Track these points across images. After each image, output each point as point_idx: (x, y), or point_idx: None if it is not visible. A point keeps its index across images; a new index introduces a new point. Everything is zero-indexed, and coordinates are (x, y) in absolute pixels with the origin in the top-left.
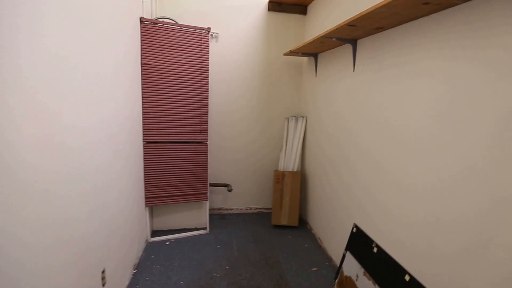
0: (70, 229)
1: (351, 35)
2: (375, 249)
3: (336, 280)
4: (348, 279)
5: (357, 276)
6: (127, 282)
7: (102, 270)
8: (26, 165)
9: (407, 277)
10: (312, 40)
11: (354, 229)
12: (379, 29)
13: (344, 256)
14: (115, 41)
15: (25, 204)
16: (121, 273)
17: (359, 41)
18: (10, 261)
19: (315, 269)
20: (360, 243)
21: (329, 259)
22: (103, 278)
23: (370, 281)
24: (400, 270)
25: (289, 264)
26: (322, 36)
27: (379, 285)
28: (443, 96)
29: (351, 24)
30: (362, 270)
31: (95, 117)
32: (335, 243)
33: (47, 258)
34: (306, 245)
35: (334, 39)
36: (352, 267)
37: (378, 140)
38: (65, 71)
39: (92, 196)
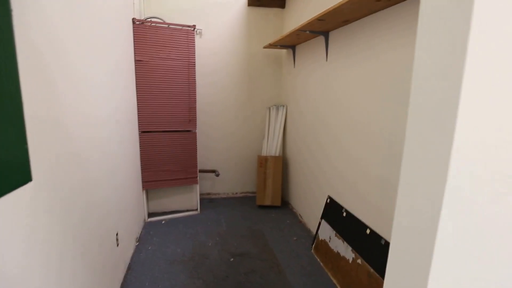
0: (97, 190)
1: (322, 28)
2: (344, 214)
3: (313, 245)
4: (323, 242)
5: (330, 238)
6: (132, 251)
7: (116, 233)
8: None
9: (368, 231)
10: (288, 34)
11: (328, 199)
12: (346, 21)
13: (319, 223)
14: (116, 43)
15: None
16: (128, 241)
17: (330, 33)
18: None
19: (295, 238)
20: (332, 211)
21: (308, 231)
22: (117, 240)
23: (340, 240)
24: (362, 227)
25: (273, 236)
26: (297, 30)
27: (347, 242)
28: (391, 79)
29: (321, 19)
30: (334, 232)
31: (105, 111)
32: (313, 217)
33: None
34: (288, 221)
35: (308, 32)
36: (326, 232)
37: (342, 123)
38: (86, 75)
39: (109, 162)
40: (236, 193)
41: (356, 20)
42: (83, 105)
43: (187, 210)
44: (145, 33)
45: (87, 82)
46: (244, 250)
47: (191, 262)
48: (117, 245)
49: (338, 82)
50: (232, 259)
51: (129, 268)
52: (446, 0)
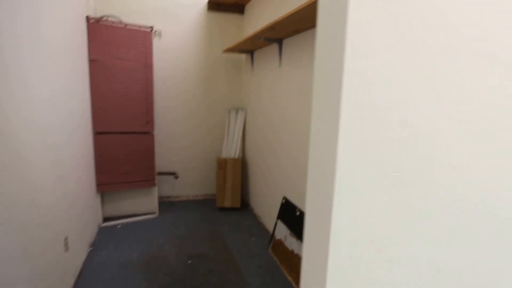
0: (41, 194)
1: (275, 35)
2: (297, 213)
3: (270, 245)
4: (279, 241)
5: (285, 237)
6: (84, 256)
7: (64, 237)
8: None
9: None
10: (244, 40)
11: (284, 200)
12: (296, 31)
13: (276, 224)
14: (67, 41)
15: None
16: (79, 246)
17: (284, 41)
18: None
19: (253, 239)
20: (287, 211)
21: (267, 232)
22: (66, 245)
23: (294, 238)
24: None
25: (231, 237)
26: (252, 37)
27: (300, 240)
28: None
29: (272, 27)
30: (289, 231)
31: (53, 113)
32: (271, 218)
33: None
34: (247, 222)
35: (262, 39)
36: (281, 231)
37: (284, 124)
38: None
39: (57, 165)
40: (197, 196)
41: (305, 30)
42: (26, 109)
43: (146, 214)
44: (101, 31)
45: (29, 84)
46: (202, 252)
47: (147, 266)
48: (66, 250)
49: (288, 87)
50: (190, 261)
51: (80, 273)
52: (329, 27)
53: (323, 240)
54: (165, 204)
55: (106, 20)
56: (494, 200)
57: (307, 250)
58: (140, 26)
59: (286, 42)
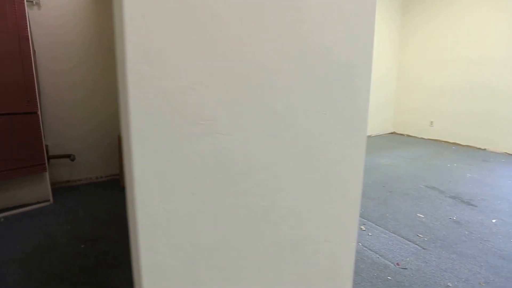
0: None
1: None
2: None
3: None
4: None
5: None
6: None
7: None
8: None
9: None
10: None
11: None
12: None
13: None
14: None
15: None
16: None
17: None
18: None
19: None
20: None
21: None
22: None
23: None
24: None
25: None
26: None
27: None
28: None
29: None
30: None
31: None
32: None
33: None
34: None
35: None
36: None
37: None
38: None
39: None
40: (101, 177)
41: None
42: None
43: (37, 203)
44: None
45: None
46: (99, 234)
47: (31, 258)
48: None
49: None
50: (83, 246)
51: None
52: None
53: (130, 196)
54: (63, 189)
55: None
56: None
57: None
58: None
59: None
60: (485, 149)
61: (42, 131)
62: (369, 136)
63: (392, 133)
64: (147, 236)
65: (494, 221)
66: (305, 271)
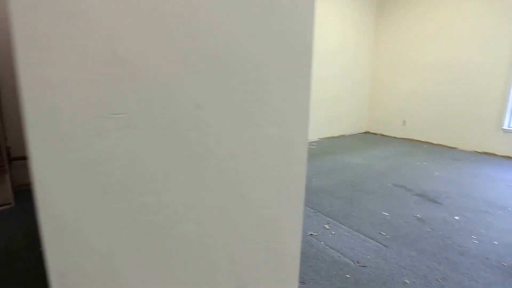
0: None
1: None
2: None
3: None
4: None
5: None
6: None
7: None
8: None
9: None
10: None
11: None
12: None
13: None
14: None
15: None
16: None
17: None
18: None
19: None
20: None
21: None
22: None
23: None
24: None
25: None
26: None
27: None
28: None
29: None
30: None
31: None
32: None
33: None
34: None
35: None
36: None
37: None
38: None
39: None
40: None
41: None
42: None
43: None
44: None
45: None
46: None
47: None
48: None
49: None
50: (40, 249)
51: None
52: None
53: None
54: (27, 192)
55: None
56: None
57: None
58: None
59: None
60: (455, 148)
61: (1, 133)
62: (342, 136)
63: (365, 132)
64: (53, 238)
65: (457, 218)
66: (243, 270)
